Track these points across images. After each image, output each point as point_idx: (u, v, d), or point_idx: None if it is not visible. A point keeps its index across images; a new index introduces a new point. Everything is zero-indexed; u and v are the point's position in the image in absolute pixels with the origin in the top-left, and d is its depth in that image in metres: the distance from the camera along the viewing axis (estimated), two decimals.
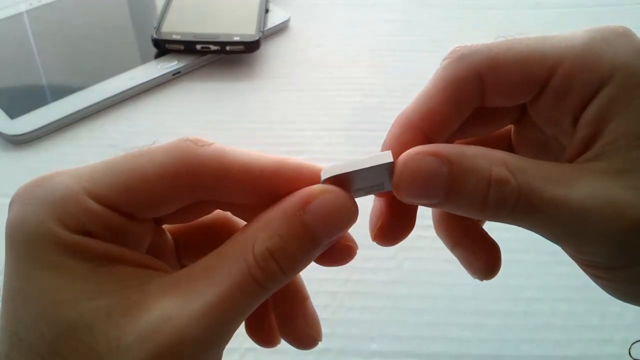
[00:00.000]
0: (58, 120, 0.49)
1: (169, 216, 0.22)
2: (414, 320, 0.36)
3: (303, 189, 0.20)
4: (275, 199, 0.21)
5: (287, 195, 0.20)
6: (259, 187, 0.20)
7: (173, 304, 0.18)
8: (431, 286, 0.38)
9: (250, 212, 0.22)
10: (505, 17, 0.63)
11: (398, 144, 0.21)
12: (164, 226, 0.24)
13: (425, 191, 0.20)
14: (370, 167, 0.20)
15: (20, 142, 0.48)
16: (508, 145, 0.26)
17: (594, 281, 0.22)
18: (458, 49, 0.22)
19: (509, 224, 0.20)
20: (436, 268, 0.39)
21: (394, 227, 0.24)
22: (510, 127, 0.26)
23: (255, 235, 0.19)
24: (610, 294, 0.22)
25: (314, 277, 0.38)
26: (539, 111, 0.22)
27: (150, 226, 0.21)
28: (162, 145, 0.20)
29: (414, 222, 0.24)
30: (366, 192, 0.21)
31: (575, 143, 0.21)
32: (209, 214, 0.24)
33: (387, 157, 0.20)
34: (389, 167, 0.20)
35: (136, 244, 0.20)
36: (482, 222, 0.26)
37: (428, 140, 0.22)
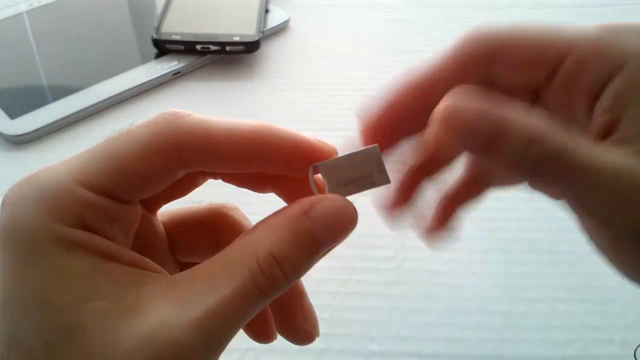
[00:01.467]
0: (58, 120, 0.49)
1: (160, 196, 0.21)
2: (414, 320, 0.36)
3: (305, 197, 0.20)
4: (261, 163, 0.21)
5: (272, 157, 0.21)
6: (244, 150, 0.20)
7: (171, 309, 0.18)
8: (431, 286, 0.38)
9: (240, 179, 0.23)
10: (505, 17, 0.63)
11: (396, 99, 0.22)
12: (159, 219, 0.24)
13: (467, 133, 0.19)
14: (357, 151, 0.21)
15: (20, 142, 0.48)
16: None
17: (614, 264, 0.21)
18: (475, 27, 0.22)
19: (542, 188, 0.20)
20: (436, 268, 0.39)
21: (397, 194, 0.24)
22: None
23: (259, 241, 0.19)
24: (629, 277, 0.21)
25: (314, 277, 0.38)
26: (551, 96, 0.22)
27: (138, 210, 0.21)
28: (142, 122, 0.20)
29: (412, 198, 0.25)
30: (357, 186, 0.22)
31: (594, 131, 0.21)
32: (200, 185, 0.24)
33: (373, 146, 0.21)
34: (377, 156, 0.21)
35: (125, 232, 0.20)
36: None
37: (425, 101, 0.22)
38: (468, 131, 0.19)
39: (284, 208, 0.20)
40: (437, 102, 0.21)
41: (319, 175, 0.21)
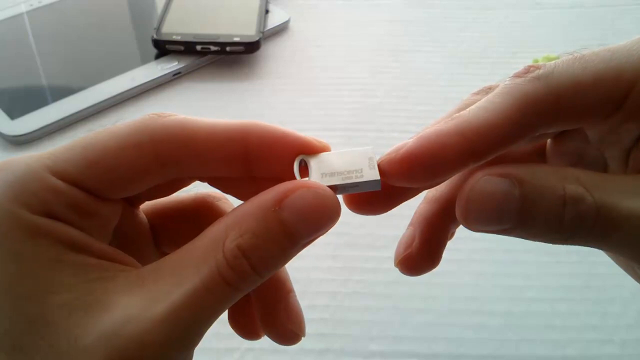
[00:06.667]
0: (58, 120, 0.49)
1: (143, 194, 0.21)
2: (414, 320, 0.36)
3: (280, 184, 0.18)
4: (246, 162, 0.20)
5: (257, 154, 0.20)
6: (227, 152, 0.20)
7: (136, 304, 0.17)
8: (431, 286, 0.38)
9: (226, 184, 0.22)
10: (505, 17, 0.63)
11: (436, 147, 0.19)
12: (142, 209, 0.23)
13: (497, 216, 0.18)
14: (350, 149, 0.20)
15: (20, 142, 0.48)
16: (539, 154, 0.24)
17: None
18: (532, 68, 0.20)
19: (586, 246, 0.19)
20: (436, 268, 0.39)
21: (422, 258, 0.24)
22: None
23: (227, 231, 0.18)
24: None
25: (314, 277, 0.39)
26: (602, 127, 0.21)
27: (118, 208, 0.20)
28: (125, 121, 0.20)
29: (440, 259, 0.24)
30: (343, 178, 0.20)
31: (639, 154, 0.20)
32: (186, 186, 0.23)
33: (369, 147, 0.20)
34: (371, 155, 0.20)
35: (102, 228, 0.19)
36: None
37: (473, 153, 0.19)
38: (495, 216, 0.18)
39: (259, 194, 0.18)
40: (491, 152, 0.19)
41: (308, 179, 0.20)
